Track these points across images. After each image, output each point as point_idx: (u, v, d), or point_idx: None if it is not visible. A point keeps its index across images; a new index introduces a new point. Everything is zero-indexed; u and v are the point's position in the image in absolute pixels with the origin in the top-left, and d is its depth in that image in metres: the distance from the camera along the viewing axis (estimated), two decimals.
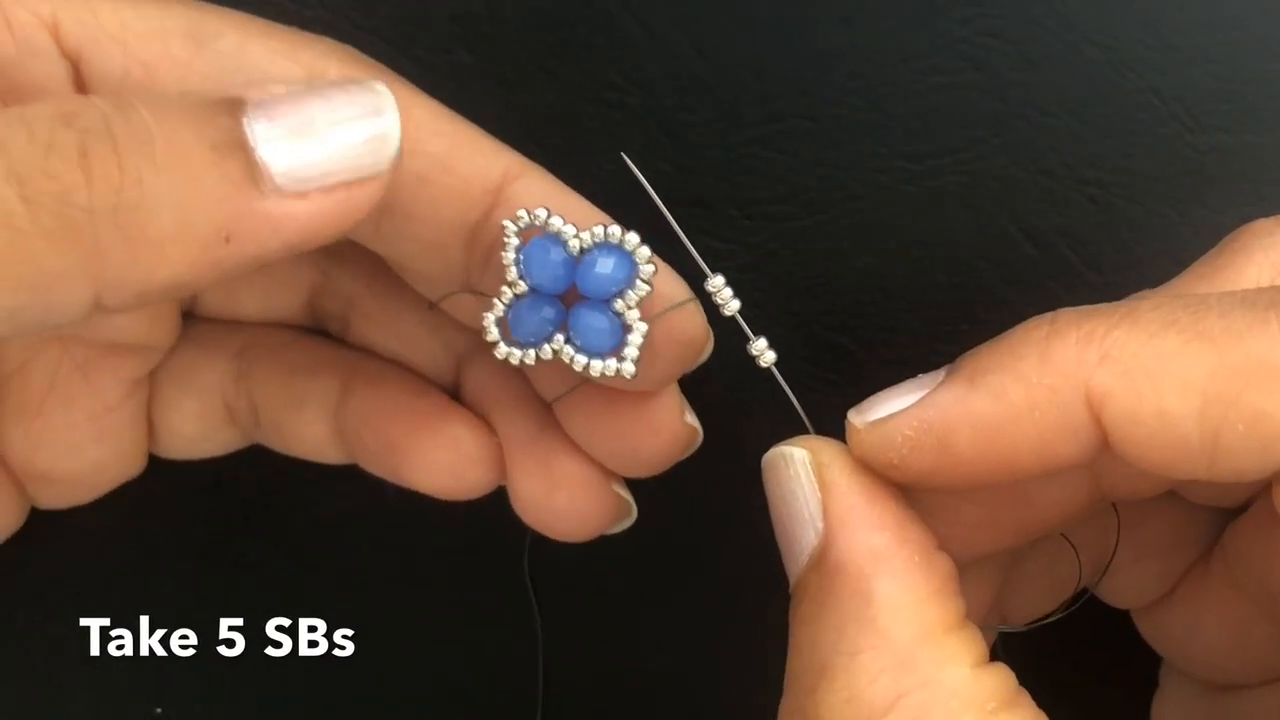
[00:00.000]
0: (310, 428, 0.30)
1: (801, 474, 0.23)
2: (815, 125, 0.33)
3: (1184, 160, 0.32)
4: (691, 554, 0.33)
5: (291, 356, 0.31)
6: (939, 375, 0.22)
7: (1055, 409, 0.21)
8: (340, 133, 0.22)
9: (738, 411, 0.30)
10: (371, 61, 0.26)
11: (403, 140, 0.22)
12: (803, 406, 0.25)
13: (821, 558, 0.22)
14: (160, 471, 0.32)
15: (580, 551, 0.30)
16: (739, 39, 0.33)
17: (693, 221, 0.25)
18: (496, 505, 0.31)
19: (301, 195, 0.21)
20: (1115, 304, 0.22)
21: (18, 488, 0.31)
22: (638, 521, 0.30)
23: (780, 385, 0.25)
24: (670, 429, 0.27)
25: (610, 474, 0.29)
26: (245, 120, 0.21)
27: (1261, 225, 0.25)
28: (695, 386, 0.28)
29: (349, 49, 0.26)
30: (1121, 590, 0.29)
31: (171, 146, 0.20)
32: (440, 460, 0.29)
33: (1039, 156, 0.32)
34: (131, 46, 0.24)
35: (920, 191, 0.33)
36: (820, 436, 0.24)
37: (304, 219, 0.21)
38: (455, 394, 0.30)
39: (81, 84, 0.25)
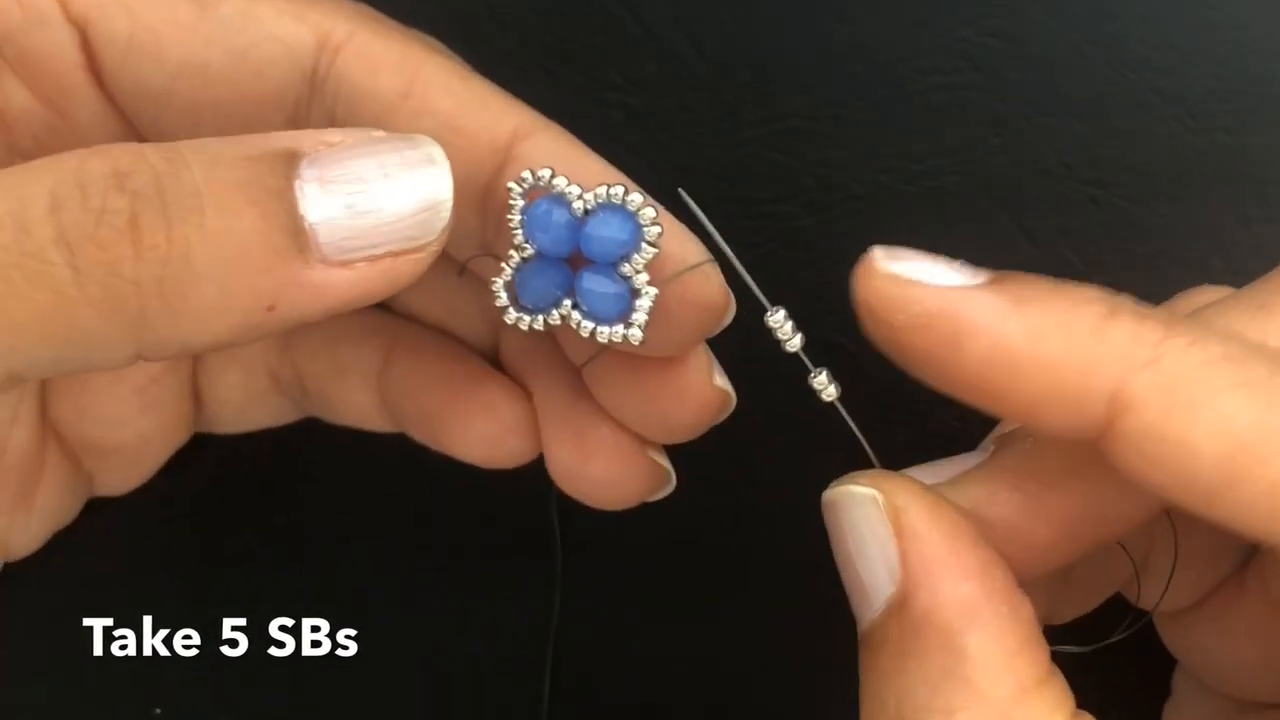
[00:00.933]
0: (355, 396, 0.30)
1: (874, 516, 0.22)
2: (815, 125, 0.33)
3: (1184, 160, 0.32)
4: (712, 560, 0.33)
5: (335, 325, 0.30)
6: (979, 275, 0.21)
7: (1082, 383, 0.20)
8: (391, 203, 0.21)
9: (764, 417, 0.30)
10: (380, 17, 0.25)
11: (453, 209, 0.22)
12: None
13: (902, 607, 0.21)
14: (163, 471, 0.32)
15: (591, 555, 0.30)
16: (739, 39, 0.33)
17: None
18: (499, 505, 0.32)
19: (346, 264, 0.21)
20: (1169, 309, 0.21)
21: (74, 464, 0.31)
22: (650, 527, 0.29)
23: (845, 419, 0.24)
24: (699, 394, 0.26)
25: (646, 441, 0.27)
26: (297, 183, 0.21)
27: None
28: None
29: (360, 6, 0.25)
30: (1153, 595, 0.28)
31: (220, 212, 0.20)
32: (478, 429, 0.28)
33: (1039, 156, 0.32)
34: (137, 11, 0.24)
35: (920, 191, 0.33)
36: (888, 472, 0.23)
37: (346, 287, 0.21)
38: (495, 360, 0.30)
39: (89, 49, 0.25)
